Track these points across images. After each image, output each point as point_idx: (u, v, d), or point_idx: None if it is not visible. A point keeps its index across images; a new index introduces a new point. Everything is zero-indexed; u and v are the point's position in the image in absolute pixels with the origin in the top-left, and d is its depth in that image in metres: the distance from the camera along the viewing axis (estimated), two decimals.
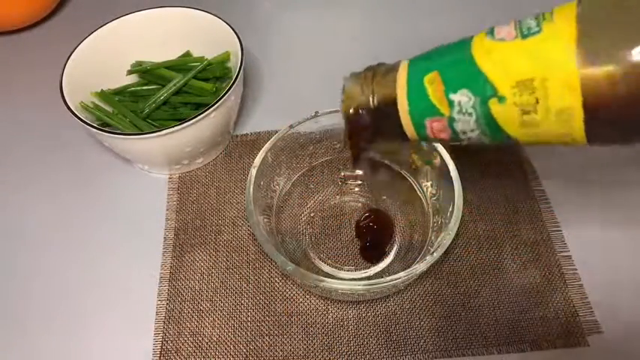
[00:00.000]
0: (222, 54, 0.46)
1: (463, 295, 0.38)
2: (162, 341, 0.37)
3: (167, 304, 0.39)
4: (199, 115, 0.39)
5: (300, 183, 0.43)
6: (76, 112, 0.40)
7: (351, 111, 0.30)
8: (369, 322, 0.37)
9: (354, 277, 0.39)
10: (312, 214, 0.42)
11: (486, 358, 0.36)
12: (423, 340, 0.37)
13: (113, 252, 0.42)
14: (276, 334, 0.37)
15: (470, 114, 0.26)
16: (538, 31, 0.25)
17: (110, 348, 0.38)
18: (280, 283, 0.39)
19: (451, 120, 0.27)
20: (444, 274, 0.39)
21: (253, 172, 0.37)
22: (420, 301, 0.38)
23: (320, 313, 0.38)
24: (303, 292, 0.39)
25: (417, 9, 0.59)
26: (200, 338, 0.38)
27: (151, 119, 0.46)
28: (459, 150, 0.46)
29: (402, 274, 0.32)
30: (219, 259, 0.41)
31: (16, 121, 0.52)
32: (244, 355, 0.37)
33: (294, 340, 0.37)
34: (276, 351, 0.37)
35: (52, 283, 0.41)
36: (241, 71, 0.42)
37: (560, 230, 0.41)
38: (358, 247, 0.40)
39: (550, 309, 0.37)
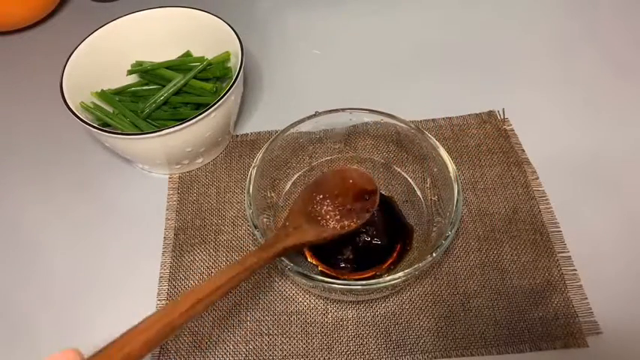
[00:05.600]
0: (222, 54, 0.46)
1: (462, 295, 0.38)
2: None
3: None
4: (199, 115, 0.39)
5: (300, 183, 0.43)
6: (76, 112, 0.40)
7: None
8: (369, 322, 0.37)
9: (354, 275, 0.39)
10: None
11: (486, 359, 0.36)
12: (422, 341, 0.37)
13: (113, 252, 0.42)
14: (275, 334, 0.37)
15: None
16: None
17: None
18: (280, 283, 0.39)
19: None
20: (443, 274, 0.39)
21: (253, 172, 0.37)
22: (420, 301, 0.38)
23: (319, 312, 0.38)
24: (302, 292, 0.39)
25: (419, 9, 0.59)
26: (200, 337, 0.38)
27: (151, 119, 0.46)
28: (460, 151, 0.46)
29: (401, 274, 0.32)
30: (219, 258, 0.41)
31: (16, 121, 0.52)
32: (244, 355, 0.37)
33: (294, 339, 0.37)
34: (275, 350, 0.37)
35: (51, 282, 0.41)
36: (241, 71, 0.42)
37: (560, 230, 0.41)
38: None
39: (549, 310, 0.37)
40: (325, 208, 0.38)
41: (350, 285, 0.33)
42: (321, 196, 0.39)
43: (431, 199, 0.40)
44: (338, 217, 0.38)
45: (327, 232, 0.37)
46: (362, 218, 0.38)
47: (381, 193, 0.42)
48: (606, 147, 0.46)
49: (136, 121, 0.45)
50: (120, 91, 0.47)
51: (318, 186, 0.39)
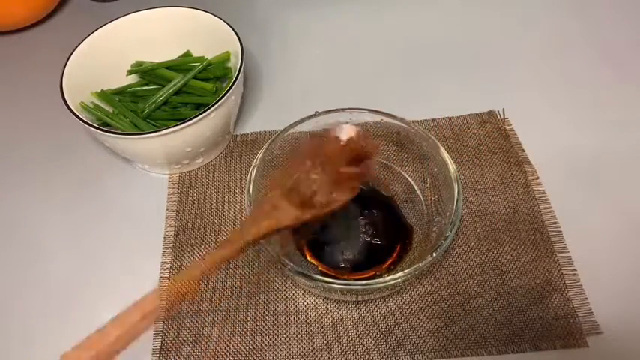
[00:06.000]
0: (222, 54, 0.46)
1: (463, 295, 0.38)
2: (162, 341, 0.38)
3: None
4: (199, 115, 0.39)
5: None
6: (76, 112, 0.40)
7: None
8: (369, 321, 0.37)
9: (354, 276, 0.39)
10: None
11: (485, 359, 0.36)
12: (422, 341, 0.37)
13: (113, 252, 0.42)
14: (275, 334, 0.37)
15: None
16: None
17: None
18: (279, 283, 0.39)
19: None
20: (443, 274, 0.39)
21: (253, 172, 0.37)
22: (420, 301, 0.38)
23: (319, 312, 0.38)
24: (302, 292, 0.39)
25: (419, 9, 0.59)
26: (200, 338, 0.38)
27: (151, 119, 0.46)
28: (460, 151, 0.46)
29: (401, 274, 0.32)
30: None
31: (16, 121, 0.52)
32: (244, 355, 0.37)
33: (294, 339, 0.37)
34: (275, 350, 0.37)
35: (51, 282, 0.41)
36: (241, 71, 0.42)
37: (560, 230, 0.41)
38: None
39: (549, 309, 0.37)
40: (313, 177, 0.34)
41: (350, 285, 0.33)
42: (309, 163, 0.35)
43: (431, 199, 0.40)
44: (327, 188, 0.34)
45: (310, 214, 0.33)
46: (352, 192, 0.34)
47: (381, 193, 0.42)
48: (606, 147, 0.46)
49: (136, 121, 0.45)
50: (120, 91, 0.47)
51: (306, 150, 0.35)
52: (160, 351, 0.37)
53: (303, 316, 0.38)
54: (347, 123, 0.38)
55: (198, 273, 0.30)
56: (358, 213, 0.40)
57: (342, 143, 0.35)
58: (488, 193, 0.43)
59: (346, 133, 0.35)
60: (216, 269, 0.31)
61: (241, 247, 0.31)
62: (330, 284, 0.33)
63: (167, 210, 0.44)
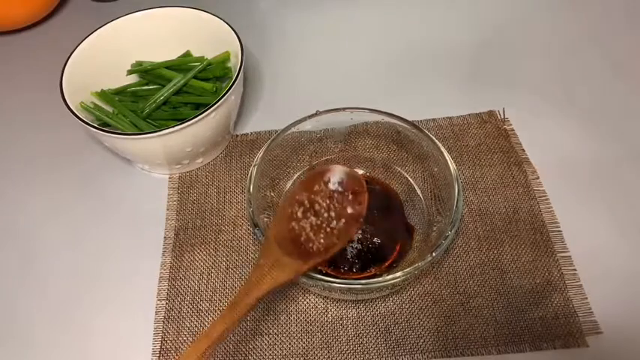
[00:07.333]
0: (222, 54, 0.46)
1: (462, 295, 0.38)
2: (161, 341, 0.38)
3: (166, 303, 0.39)
4: (199, 115, 0.39)
5: None
6: (76, 112, 0.40)
7: None
8: (369, 321, 0.37)
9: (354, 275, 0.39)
10: None
11: (485, 358, 0.36)
12: (422, 340, 0.37)
13: (113, 252, 0.42)
14: (275, 333, 0.37)
15: None
16: None
17: (110, 347, 0.38)
18: None
19: None
20: (443, 274, 0.39)
21: (254, 171, 0.37)
22: (420, 301, 0.38)
23: (319, 311, 0.38)
24: (302, 291, 0.39)
25: (420, 8, 0.59)
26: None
27: (151, 119, 0.46)
28: (460, 150, 0.46)
29: (401, 273, 0.32)
30: (219, 258, 0.41)
31: (16, 121, 0.52)
32: (244, 354, 0.37)
33: (294, 338, 0.37)
34: (275, 350, 0.37)
35: (51, 282, 0.41)
36: (241, 71, 0.42)
37: (560, 230, 0.41)
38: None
39: (549, 309, 0.37)
40: (308, 222, 0.35)
41: (350, 284, 0.33)
42: (302, 209, 0.35)
43: (431, 198, 0.40)
44: (325, 229, 0.34)
45: (309, 265, 0.33)
46: (348, 235, 0.34)
47: (384, 191, 0.42)
48: (606, 147, 0.46)
49: (136, 121, 0.45)
50: (120, 91, 0.47)
51: (297, 195, 0.36)
52: (159, 351, 0.37)
53: (303, 315, 0.38)
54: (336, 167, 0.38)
55: (205, 347, 0.30)
56: None
57: (331, 187, 0.36)
58: (489, 193, 0.43)
59: (336, 176, 0.36)
60: (224, 338, 0.31)
61: (243, 315, 0.31)
62: (330, 283, 0.33)
63: (167, 210, 0.44)
